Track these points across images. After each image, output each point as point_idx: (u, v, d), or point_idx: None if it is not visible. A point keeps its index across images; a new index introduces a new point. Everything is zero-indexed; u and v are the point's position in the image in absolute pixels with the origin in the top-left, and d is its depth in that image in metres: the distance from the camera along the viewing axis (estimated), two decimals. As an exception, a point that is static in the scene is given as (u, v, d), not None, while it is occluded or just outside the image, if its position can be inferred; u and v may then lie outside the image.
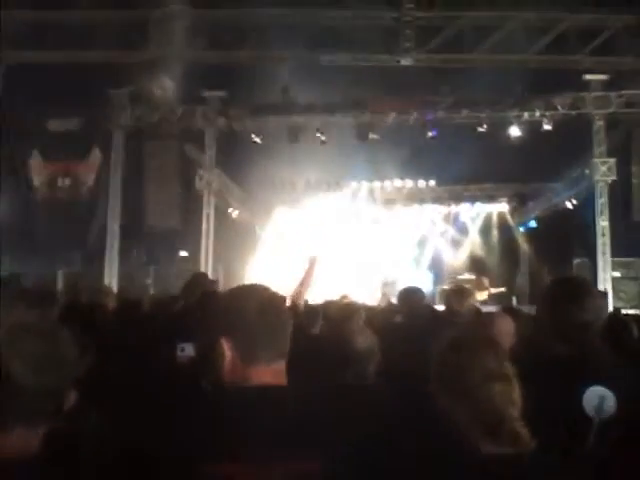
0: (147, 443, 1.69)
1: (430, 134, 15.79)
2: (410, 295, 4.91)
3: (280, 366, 1.74)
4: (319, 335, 4.71)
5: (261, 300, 1.76)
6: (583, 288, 2.63)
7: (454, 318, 4.32)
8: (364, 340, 3.23)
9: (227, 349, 1.72)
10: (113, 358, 3.74)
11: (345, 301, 8.47)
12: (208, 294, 4.21)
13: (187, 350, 3.16)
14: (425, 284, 20.88)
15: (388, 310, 6.53)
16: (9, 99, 14.80)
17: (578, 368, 2.36)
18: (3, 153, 14.73)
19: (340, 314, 4.70)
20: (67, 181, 16.01)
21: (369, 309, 8.72)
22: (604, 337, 3.36)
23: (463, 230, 23.76)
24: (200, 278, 5.03)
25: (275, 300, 1.80)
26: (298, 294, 4.65)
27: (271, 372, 1.70)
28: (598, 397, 2.16)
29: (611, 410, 2.16)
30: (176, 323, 3.66)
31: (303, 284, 4.81)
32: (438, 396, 1.84)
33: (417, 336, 4.06)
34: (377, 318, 5.40)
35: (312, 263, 4.91)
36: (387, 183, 21.30)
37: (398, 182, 21.10)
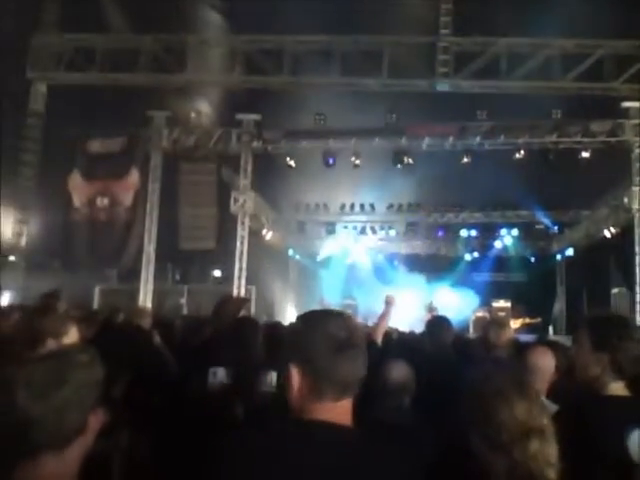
0: (177, 468, 1.68)
1: (466, 160, 15.71)
2: (437, 325, 4.87)
3: (347, 404, 1.65)
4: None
5: (338, 333, 1.66)
6: (627, 322, 2.58)
7: (491, 351, 4.24)
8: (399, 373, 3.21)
9: (297, 378, 1.64)
10: (148, 380, 3.77)
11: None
12: (242, 320, 4.21)
13: (219, 375, 3.15)
14: (470, 306, 20.72)
15: (418, 339, 6.45)
16: (52, 119, 15.23)
17: (629, 409, 2.30)
18: (46, 172, 15.13)
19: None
20: (106, 201, 16.31)
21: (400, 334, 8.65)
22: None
23: (500, 256, 23.57)
24: (229, 302, 5.03)
25: (353, 334, 1.68)
26: (374, 332, 4.62)
27: (337, 410, 1.62)
28: (644, 440, 2.09)
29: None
30: (208, 348, 3.66)
31: (380, 323, 4.78)
32: (471, 438, 1.79)
33: (446, 368, 4.02)
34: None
35: (390, 302, 4.90)
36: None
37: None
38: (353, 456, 1.54)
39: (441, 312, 6.55)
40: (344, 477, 1.51)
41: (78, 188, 16.39)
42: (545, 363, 3.30)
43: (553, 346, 3.50)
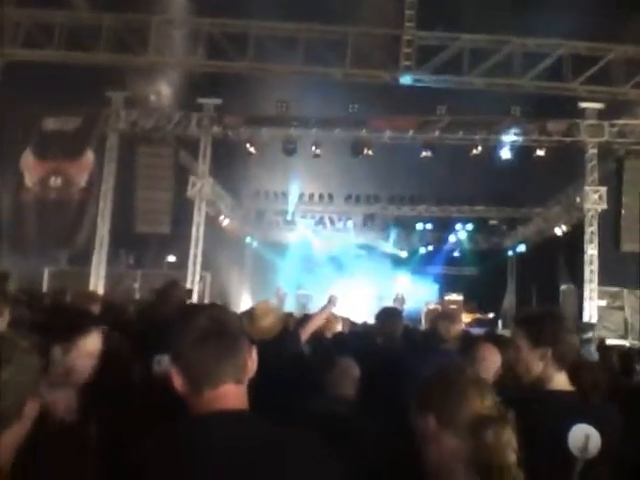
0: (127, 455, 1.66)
1: (424, 154, 15.87)
2: (387, 317, 4.91)
3: (232, 389, 1.63)
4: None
5: (205, 324, 1.66)
6: (561, 315, 2.64)
7: (440, 344, 4.30)
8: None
9: (174, 371, 1.64)
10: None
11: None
12: (188, 307, 4.16)
13: (163, 362, 3.09)
14: (424, 298, 21.12)
15: (369, 330, 6.50)
16: (5, 96, 14.73)
17: (570, 403, 2.34)
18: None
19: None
20: (59, 181, 15.94)
21: (352, 326, 8.69)
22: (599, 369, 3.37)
23: (454, 250, 23.95)
24: (173, 287, 4.96)
25: (223, 324, 1.68)
26: (305, 326, 4.59)
27: (221, 397, 1.61)
28: (584, 435, 2.13)
29: (595, 449, 2.13)
30: (155, 334, 3.59)
31: (315, 318, 4.76)
32: (425, 426, 1.78)
33: (396, 360, 4.06)
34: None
35: (331, 302, 4.90)
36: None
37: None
38: (247, 443, 1.54)
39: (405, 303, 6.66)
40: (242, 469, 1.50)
41: (30, 167, 15.97)
42: (491, 358, 3.39)
43: (500, 341, 3.57)
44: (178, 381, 1.63)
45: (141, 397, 3.06)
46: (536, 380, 2.44)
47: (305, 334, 4.51)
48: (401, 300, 14.97)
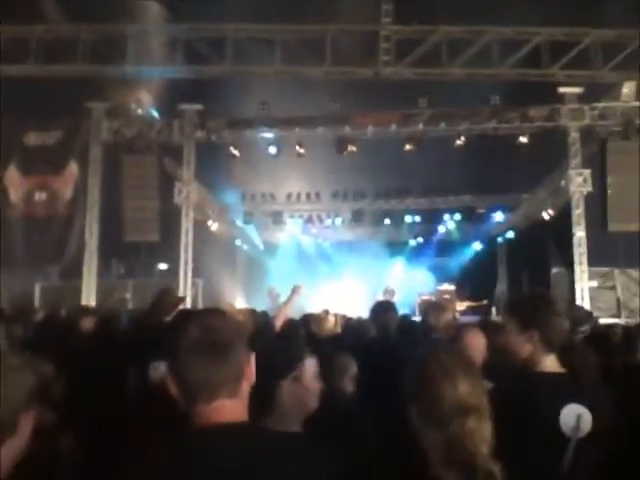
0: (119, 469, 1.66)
1: (408, 147, 15.92)
2: (382, 310, 4.96)
3: (229, 405, 1.59)
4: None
5: (195, 334, 1.61)
6: (550, 299, 2.67)
7: (430, 333, 4.34)
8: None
9: (169, 379, 1.61)
10: (89, 379, 3.69)
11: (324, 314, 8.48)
12: (185, 312, 4.17)
13: (161, 369, 3.10)
14: (416, 289, 21.20)
15: (363, 324, 6.54)
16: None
17: (560, 384, 2.38)
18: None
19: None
20: (44, 195, 15.87)
21: (347, 321, 8.73)
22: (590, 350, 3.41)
23: (444, 241, 24.04)
24: (169, 294, 4.97)
25: (214, 333, 1.62)
26: (276, 318, 4.66)
27: (217, 412, 1.57)
28: (575, 415, 2.16)
29: (587, 428, 2.16)
30: (149, 342, 3.60)
31: (282, 310, 4.84)
32: (412, 418, 1.81)
33: (390, 351, 4.09)
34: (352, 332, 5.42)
35: (295, 292, 4.96)
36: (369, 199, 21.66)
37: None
38: (243, 457, 1.51)
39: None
40: None
41: (15, 183, 15.88)
42: (476, 342, 3.46)
43: (488, 327, 3.63)
44: (174, 391, 1.61)
45: (135, 406, 3.08)
46: (525, 363, 2.48)
47: (278, 324, 4.58)
48: (391, 292, 14.98)
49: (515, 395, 1.85)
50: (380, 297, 14.17)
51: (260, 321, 4.52)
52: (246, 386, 1.66)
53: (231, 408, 1.60)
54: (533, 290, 9.38)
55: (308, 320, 6.28)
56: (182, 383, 1.59)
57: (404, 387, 1.86)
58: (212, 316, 1.71)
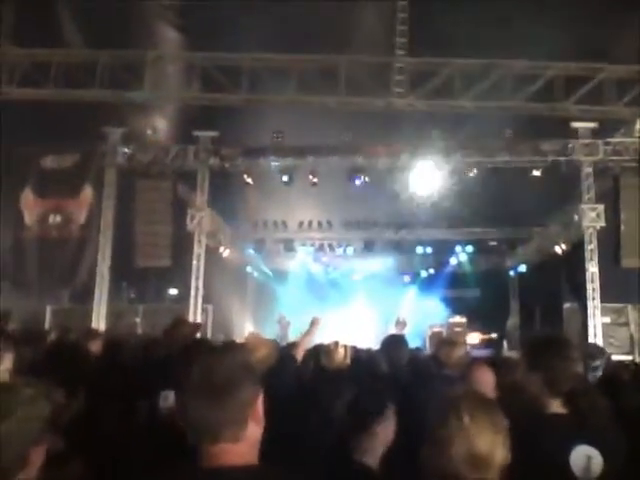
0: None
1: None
2: (393, 344, 4.92)
3: (233, 448, 1.55)
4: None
5: (196, 378, 1.57)
6: (563, 342, 2.64)
7: (441, 370, 4.30)
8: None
9: (179, 420, 1.59)
10: (98, 405, 3.67)
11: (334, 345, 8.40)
12: (198, 342, 4.16)
13: (170, 399, 3.09)
14: (427, 321, 21.01)
15: (373, 357, 6.49)
16: (4, 135, 14.86)
17: (569, 426, 2.34)
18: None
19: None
20: (58, 218, 15.99)
21: (356, 352, 8.63)
22: (601, 391, 3.35)
23: (455, 272, 23.90)
24: (183, 324, 4.98)
25: (217, 375, 1.57)
26: (296, 349, 4.66)
27: (221, 455, 1.54)
28: (585, 457, 2.14)
29: (598, 470, 2.13)
30: (160, 371, 3.59)
31: (302, 341, 4.83)
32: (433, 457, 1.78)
33: (401, 388, 4.05)
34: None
35: (314, 323, 4.97)
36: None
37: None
38: None
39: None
40: None
41: (30, 206, 16.03)
42: (484, 379, 3.42)
43: (498, 364, 3.59)
44: (182, 424, 1.59)
45: (145, 435, 3.06)
46: (534, 402, 2.45)
47: (298, 356, 4.56)
48: (403, 324, 14.86)
49: (524, 436, 1.83)
50: (392, 328, 14.09)
51: (283, 354, 4.49)
52: (254, 429, 1.61)
53: (235, 452, 1.56)
54: (547, 330, 9.31)
55: (318, 352, 6.23)
56: (186, 423, 1.57)
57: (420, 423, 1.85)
58: (217, 355, 1.67)
